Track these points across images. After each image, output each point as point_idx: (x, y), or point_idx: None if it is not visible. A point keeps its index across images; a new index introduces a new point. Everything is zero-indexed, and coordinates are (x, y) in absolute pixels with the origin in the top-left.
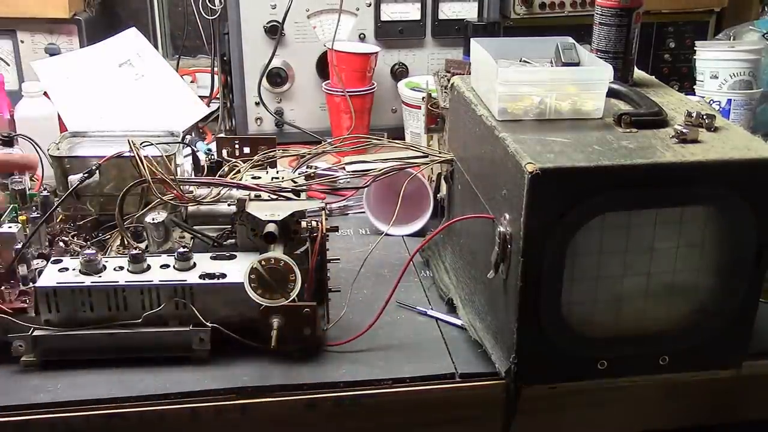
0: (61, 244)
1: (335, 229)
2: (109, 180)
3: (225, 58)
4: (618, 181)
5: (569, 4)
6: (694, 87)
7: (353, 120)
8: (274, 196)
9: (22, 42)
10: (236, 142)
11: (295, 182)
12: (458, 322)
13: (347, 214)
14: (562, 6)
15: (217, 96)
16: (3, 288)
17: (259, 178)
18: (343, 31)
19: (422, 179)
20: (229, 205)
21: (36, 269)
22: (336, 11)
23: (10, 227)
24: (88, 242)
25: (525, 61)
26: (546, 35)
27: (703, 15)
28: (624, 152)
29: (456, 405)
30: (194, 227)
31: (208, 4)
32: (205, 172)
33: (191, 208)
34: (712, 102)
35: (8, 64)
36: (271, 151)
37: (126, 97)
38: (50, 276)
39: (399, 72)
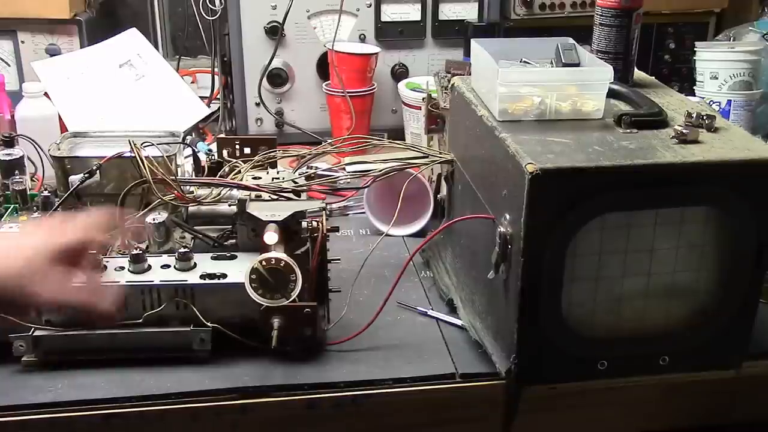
0: None
1: (336, 229)
2: (110, 180)
3: (225, 59)
4: (618, 182)
5: (569, 5)
6: (694, 88)
7: (353, 120)
8: (275, 197)
9: (22, 42)
10: (237, 142)
11: (295, 183)
12: (458, 322)
13: (348, 214)
14: (563, 7)
15: (218, 96)
16: None
17: (260, 178)
18: (343, 31)
19: (422, 180)
20: (229, 205)
21: None
22: (336, 12)
23: (11, 227)
24: None
25: (525, 62)
26: (546, 36)
27: (703, 16)
28: (624, 153)
29: (456, 405)
30: (195, 227)
31: (209, 4)
32: (205, 173)
33: (192, 208)
34: (712, 103)
35: (9, 65)
36: (271, 152)
37: (126, 98)
38: None
39: (399, 72)
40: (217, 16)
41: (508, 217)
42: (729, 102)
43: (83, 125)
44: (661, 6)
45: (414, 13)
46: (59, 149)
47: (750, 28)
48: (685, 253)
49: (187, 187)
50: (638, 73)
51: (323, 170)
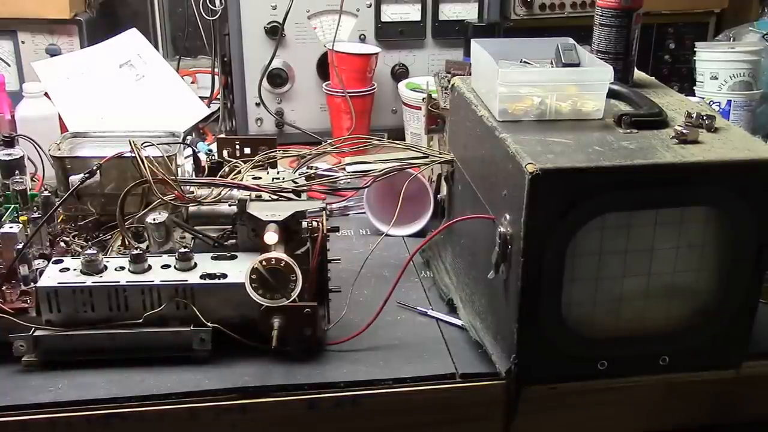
0: (62, 244)
1: (336, 229)
2: (110, 180)
3: (225, 59)
4: (618, 182)
5: (569, 5)
6: (694, 88)
7: (353, 121)
8: (275, 197)
9: (22, 42)
10: (237, 142)
11: (295, 183)
12: (458, 322)
13: (348, 214)
14: (563, 7)
15: (218, 97)
16: (4, 288)
17: (260, 178)
18: (343, 31)
19: (422, 180)
20: (230, 205)
21: (37, 269)
22: (336, 12)
23: (11, 227)
24: (89, 242)
25: (525, 62)
26: (546, 36)
27: (703, 16)
28: (624, 153)
29: (456, 405)
30: (195, 227)
31: (209, 4)
32: (205, 173)
33: (192, 208)
34: (711, 103)
35: (9, 65)
36: (271, 152)
37: (127, 98)
38: (51, 276)
39: (399, 73)
40: (217, 16)
41: (508, 217)
42: (729, 102)
43: (83, 125)
44: (661, 6)
45: (414, 13)
46: (59, 149)
47: (750, 28)
48: (685, 253)
49: (187, 187)
50: (638, 73)
51: (323, 170)
